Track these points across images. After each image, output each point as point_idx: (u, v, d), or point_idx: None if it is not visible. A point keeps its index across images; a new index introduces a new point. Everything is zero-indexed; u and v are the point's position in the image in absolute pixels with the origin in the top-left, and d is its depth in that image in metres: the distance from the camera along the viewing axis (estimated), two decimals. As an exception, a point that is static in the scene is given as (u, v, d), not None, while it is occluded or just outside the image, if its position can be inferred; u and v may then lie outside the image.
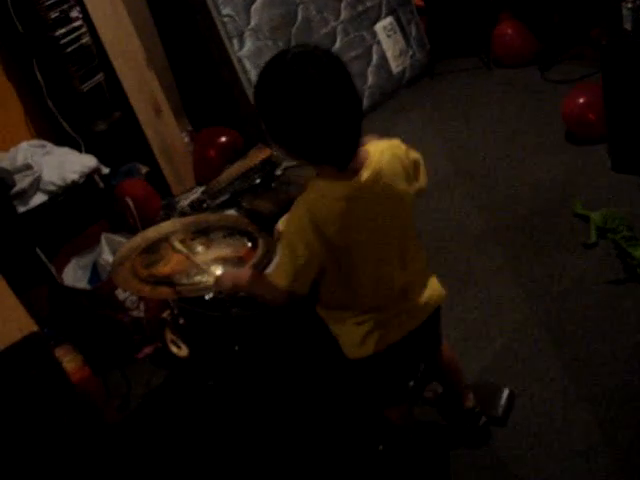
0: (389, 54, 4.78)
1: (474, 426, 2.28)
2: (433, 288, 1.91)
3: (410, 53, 4.95)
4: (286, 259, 1.66)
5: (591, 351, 2.51)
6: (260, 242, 2.24)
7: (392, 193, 1.69)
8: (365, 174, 1.62)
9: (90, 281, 3.28)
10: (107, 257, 3.17)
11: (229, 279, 1.92)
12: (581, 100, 3.66)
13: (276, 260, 1.74)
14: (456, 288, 2.94)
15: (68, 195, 3.38)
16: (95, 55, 3.77)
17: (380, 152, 1.67)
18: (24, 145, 3.50)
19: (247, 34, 4.15)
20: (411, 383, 2.39)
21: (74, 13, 3.66)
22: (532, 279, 2.91)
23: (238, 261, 2.16)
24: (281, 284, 1.69)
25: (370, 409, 2.14)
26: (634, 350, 2.46)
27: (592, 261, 2.91)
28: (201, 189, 3.96)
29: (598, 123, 3.50)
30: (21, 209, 3.24)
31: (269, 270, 1.78)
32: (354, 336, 1.82)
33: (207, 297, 2.08)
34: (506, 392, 2.39)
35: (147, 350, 3.12)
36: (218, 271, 2.10)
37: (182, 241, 2.25)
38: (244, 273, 1.92)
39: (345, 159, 1.59)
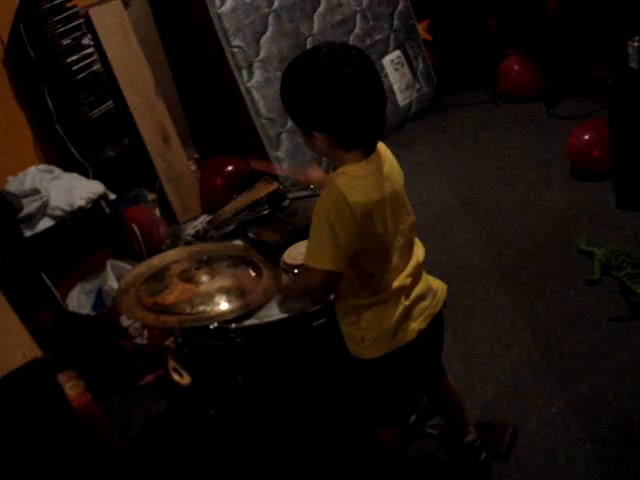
0: (396, 87, 4.82)
1: (474, 461, 2.27)
2: (434, 279, 2.03)
3: (417, 87, 4.99)
4: (325, 241, 1.73)
5: (594, 388, 2.50)
6: (265, 273, 2.25)
7: (397, 175, 1.88)
8: (378, 157, 1.81)
9: (94, 307, 3.28)
10: (112, 283, 3.17)
11: (260, 294, 1.98)
12: (586, 136, 3.68)
13: (312, 245, 1.78)
14: (459, 322, 2.94)
15: (75, 220, 3.40)
16: (105, 82, 3.80)
17: (380, 144, 1.86)
18: (32, 170, 3.53)
19: (256, 65, 4.20)
20: (412, 418, 2.39)
21: (85, 41, 3.70)
22: (535, 314, 2.92)
23: (242, 291, 2.16)
24: (326, 266, 1.74)
25: (366, 428, 2.13)
26: (637, 388, 2.46)
27: (596, 298, 2.92)
28: (207, 217, 3.98)
29: (603, 160, 3.52)
30: (28, 233, 3.26)
31: (305, 258, 1.83)
32: (386, 324, 1.85)
33: (211, 327, 2.08)
34: (510, 429, 2.38)
35: (149, 377, 3.11)
36: (223, 301, 2.10)
37: (186, 270, 2.26)
38: (271, 283, 2.06)
39: (374, 143, 1.80)
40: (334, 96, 1.68)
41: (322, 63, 1.70)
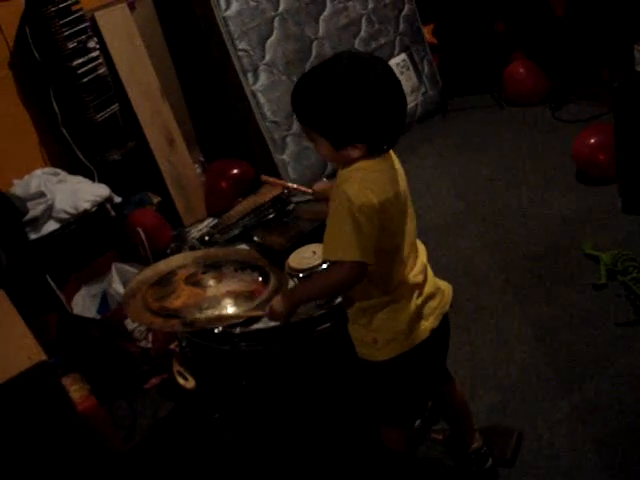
0: (401, 90, 4.81)
1: (480, 468, 2.26)
2: (440, 280, 2.03)
3: (422, 90, 4.99)
4: (350, 232, 1.70)
5: (599, 393, 2.50)
6: (271, 277, 2.24)
7: (403, 175, 1.89)
8: (389, 155, 1.84)
9: (99, 310, 3.28)
10: (117, 287, 3.17)
11: (283, 303, 1.90)
12: (592, 140, 3.68)
13: (334, 240, 1.75)
14: (464, 326, 2.94)
15: (80, 223, 3.40)
16: (111, 85, 3.81)
17: None
18: (38, 173, 3.53)
19: (261, 68, 4.20)
20: (417, 422, 2.39)
21: (91, 44, 3.71)
22: (541, 318, 2.91)
23: (249, 295, 2.16)
24: (354, 256, 1.71)
25: (371, 432, 2.13)
26: (643, 394, 2.46)
27: (602, 302, 2.91)
28: (212, 221, 3.98)
29: (608, 163, 3.51)
30: (33, 236, 3.26)
31: (326, 254, 1.81)
32: (400, 324, 1.85)
33: (216, 331, 2.08)
34: (515, 434, 2.38)
35: (154, 381, 3.11)
36: (229, 305, 2.10)
37: (193, 274, 2.26)
38: (293, 289, 2.03)
39: (395, 140, 1.80)
40: (374, 105, 1.68)
41: (352, 72, 1.70)
